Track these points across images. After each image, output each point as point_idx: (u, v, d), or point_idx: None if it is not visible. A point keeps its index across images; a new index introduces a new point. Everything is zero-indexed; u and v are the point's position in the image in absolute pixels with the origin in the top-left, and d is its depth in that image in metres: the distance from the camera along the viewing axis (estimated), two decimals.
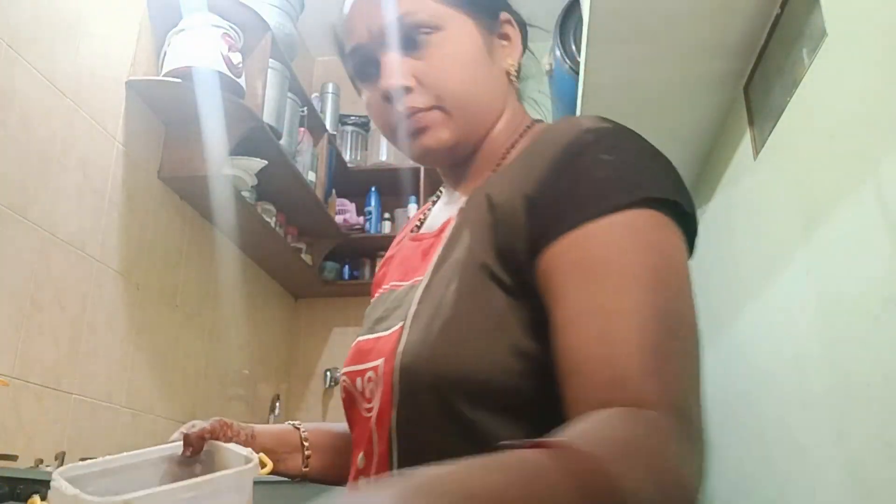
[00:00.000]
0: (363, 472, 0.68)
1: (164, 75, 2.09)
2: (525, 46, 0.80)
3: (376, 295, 0.81)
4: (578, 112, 1.91)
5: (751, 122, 1.69)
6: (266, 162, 2.41)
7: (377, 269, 0.89)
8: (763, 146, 1.58)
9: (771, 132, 1.52)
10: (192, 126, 2.14)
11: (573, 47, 2.22)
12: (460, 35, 0.71)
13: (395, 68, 0.70)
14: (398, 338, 0.65)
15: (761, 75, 1.60)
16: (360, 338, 0.75)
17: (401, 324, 0.67)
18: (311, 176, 2.85)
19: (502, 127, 0.75)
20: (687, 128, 1.96)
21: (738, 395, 1.86)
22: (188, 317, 2.33)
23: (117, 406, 1.97)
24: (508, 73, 0.76)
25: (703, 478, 0.51)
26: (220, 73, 2.08)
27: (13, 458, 1.35)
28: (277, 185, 2.53)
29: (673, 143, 2.04)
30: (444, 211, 0.79)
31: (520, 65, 0.78)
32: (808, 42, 1.30)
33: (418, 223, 0.85)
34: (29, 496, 0.58)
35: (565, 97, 2.24)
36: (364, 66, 0.74)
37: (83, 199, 1.86)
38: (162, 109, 2.20)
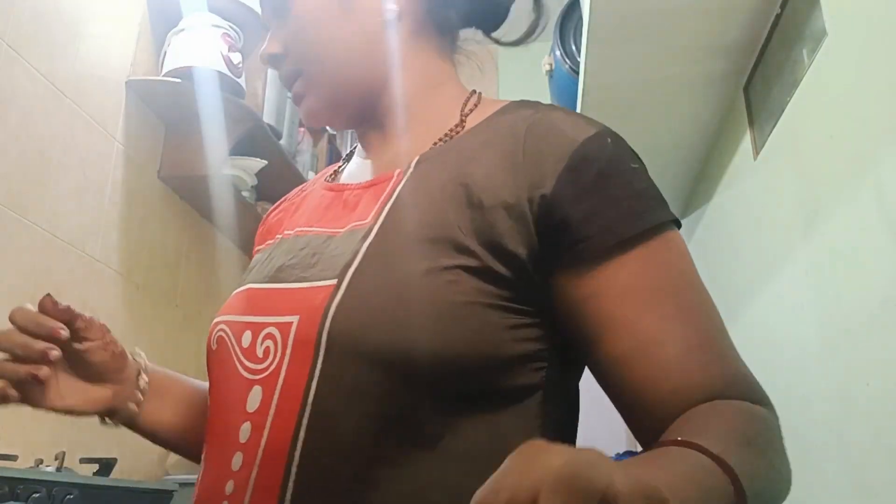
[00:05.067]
0: (232, 439, 0.56)
1: (164, 75, 2.08)
2: None
3: (274, 240, 0.70)
4: (578, 112, 1.91)
5: (751, 122, 1.69)
6: (266, 162, 2.41)
7: (266, 215, 0.81)
8: (763, 146, 1.58)
9: (771, 132, 1.52)
10: (192, 126, 2.14)
11: (573, 47, 2.22)
12: None
13: (273, 34, 0.69)
14: (329, 295, 0.54)
15: (761, 75, 1.60)
16: (252, 285, 0.63)
17: (334, 280, 0.55)
18: (310, 176, 2.85)
19: (413, 86, 0.68)
20: (687, 128, 1.96)
21: None
22: (188, 317, 2.33)
23: None
24: (384, 14, 0.66)
25: None
26: (220, 72, 2.08)
27: (13, 458, 1.35)
28: (277, 185, 2.53)
29: (673, 143, 2.04)
30: (367, 168, 0.70)
31: (408, 7, 0.68)
32: (808, 42, 1.30)
33: (330, 178, 0.75)
34: (29, 496, 0.57)
35: (565, 97, 2.24)
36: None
37: (83, 199, 1.86)
38: (162, 109, 2.19)
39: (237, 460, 0.55)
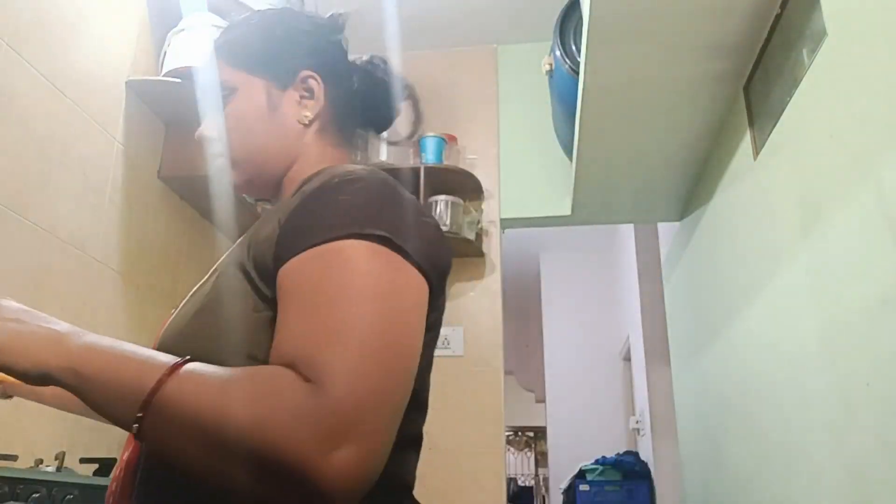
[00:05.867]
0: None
1: (164, 75, 2.08)
2: (334, 105, 0.90)
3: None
4: (578, 112, 1.91)
5: (751, 122, 1.69)
6: None
7: None
8: (763, 146, 1.58)
9: (771, 132, 1.52)
10: (192, 126, 2.13)
11: (573, 47, 2.22)
12: (246, 96, 0.86)
13: (208, 121, 0.90)
14: (167, 322, 0.78)
15: (761, 75, 1.60)
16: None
17: (173, 311, 0.79)
18: None
19: (298, 168, 0.87)
20: (687, 128, 1.96)
21: (738, 395, 1.86)
22: None
23: None
24: (302, 122, 0.87)
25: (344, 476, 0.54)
26: None
27: (13, 458, 1.35)
28: None
29: (673, 143, 2.04)
30: None
31: (322, 114, 0.88)
32: (808, 42, 1.30)
33: None
34: (29, 496, 0.61)
35: (565, 97, 2.24)
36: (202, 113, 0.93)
37: (83, 199, 1.86)
38: (162, 109, 2.19)
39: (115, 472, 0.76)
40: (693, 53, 1.64)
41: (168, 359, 0.60)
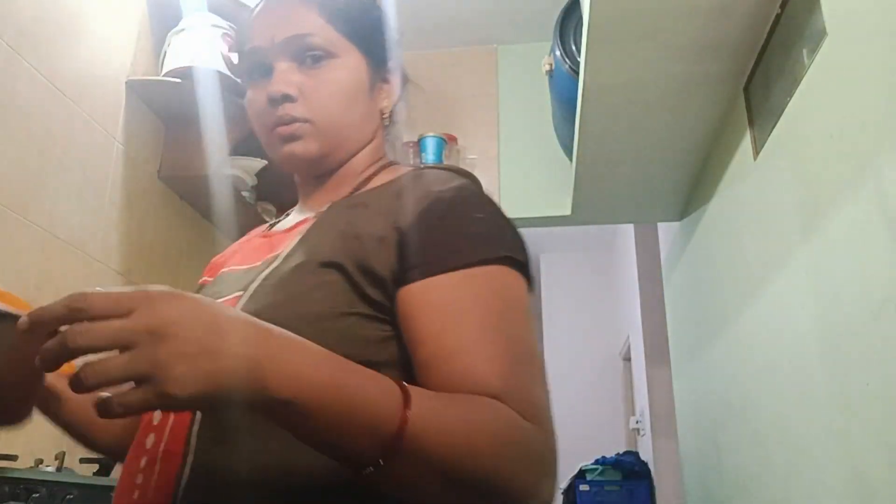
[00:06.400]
0: (140, 447, 0.67)
1: (164, 75, 2.08)
2: (400, 97, 0.89)
3: (213, 278, 0.84)
4: (578, 112, 1.91)
5: (751, 122, 1.69)
6: (266, 162, 2.40)
7: (214, 258, 0.95)
8: (763, 146, 1.58)
9: (771, 132, 1.52)
10: (192, 126, 2.14)
11: (573, 47, 2.22)
12: (350, 67, 0.80)
13: (285, 77, 0.78)
14: (236, 301, 0.70)
15: (761, 75, 1.60)
16: None
17: (238, 293, 0.71)
18: None
19: (364, 156, 0.84)
20: (687, 128, 1.96)
21: (739, 395, 1.86)
22: None
23: None
24: (382, 113, 0.85)
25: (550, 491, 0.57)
26: (220, 72, 2.08)
27: (13, 458, 1.35)
28: (277, 185, 2.53)
29: (673, 143, 2.04)
30: (295, 218, 0.86)
31: (393, 111, 0.86)
32: (808, 42, 1.30)
33: (267, 229, 0.92)
34: (29, 496, 0.57)
35: (565, 97, 2.24)
36: (257, 67, 0.81)
37: (83, 199, 1.86)
38: (162, 109, 2.19)
39: (139, 479, 0.65)
40: (693, 53, 1.64)
41: (388, 384, 0.53)
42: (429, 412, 0.52)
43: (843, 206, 1.17)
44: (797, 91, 1.36)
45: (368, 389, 0.51)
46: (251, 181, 2.42)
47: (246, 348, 0.47)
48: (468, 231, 0.68)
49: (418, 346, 0.64)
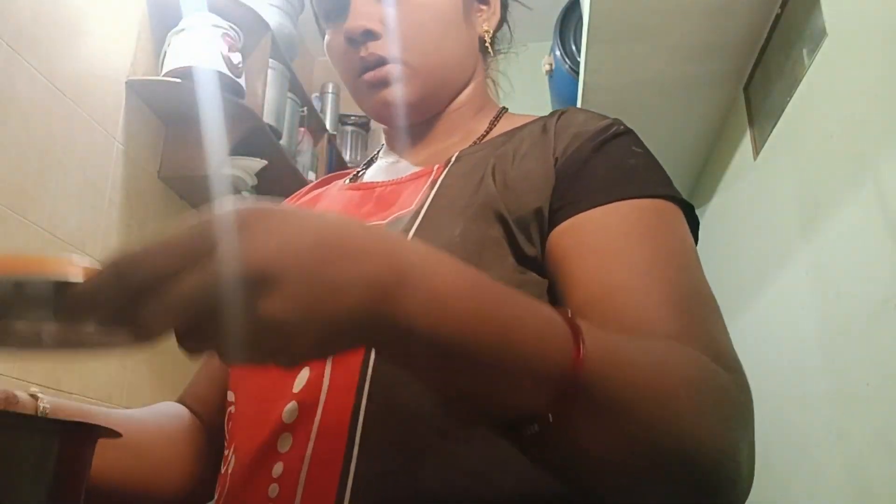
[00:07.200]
0: (274, 422, 0.54)
1: (164, 75, 2.08)
2: (504, 19, 0.77)
3: None
4: None
5: (751, 122, 1.69)
6: (266, 162, 2.40)
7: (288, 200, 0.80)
8: (763, 146, 1.58)
9: (771, 132, 1.52)
10: (192, 126, 2.14)
11: (573, 47, 2.22)
12: None
13: (364, 10, 0.65)
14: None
15: (761, 75, 1.60)
16: None
17: None
18: (311, 176, 2.85)
19: (470, 95, 0.72)
20: (687, 128, 1.96)
21: None
22: None
23: (117, 406, 1.97)
24: (483, 40, 0.72)
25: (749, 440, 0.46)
26: (220, 72, 2.08)
27: None
28: (277, 185, 2.53)
29: (673, 143, 2.04)
30: (399, 167, 0.71)
31: (494, 38, 0.74)
32: (808, 42, 1.30)
33: (350, 180, 0.77)
34: None
35: (565, 97, 2.24)
36: (332, 5, 0.68)
37: (83, 199, 1.86)
38: (162, 109, 2.19)
39: (285, 441, 0.53)
40: (693, 53, 1.64)
41: (550, 313, 0.40)
42: (607, 352, 0.39)
43: (842, 205, 1.17)
44: (797, 91, 1.36)
45: (526, 320, 0.38)
46: (251, 181, 2.42)
47: (377, 273, 0.34)
48: (634, 164, 0.60)
49: (577, 286, 0.53)
